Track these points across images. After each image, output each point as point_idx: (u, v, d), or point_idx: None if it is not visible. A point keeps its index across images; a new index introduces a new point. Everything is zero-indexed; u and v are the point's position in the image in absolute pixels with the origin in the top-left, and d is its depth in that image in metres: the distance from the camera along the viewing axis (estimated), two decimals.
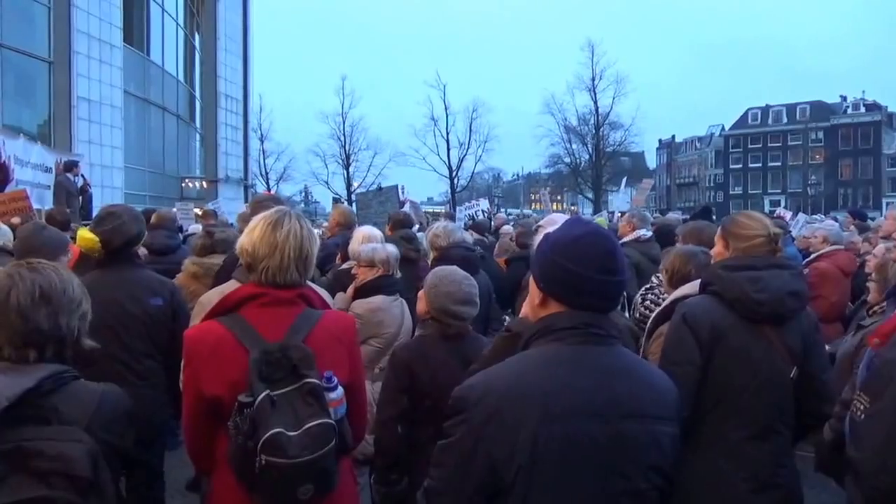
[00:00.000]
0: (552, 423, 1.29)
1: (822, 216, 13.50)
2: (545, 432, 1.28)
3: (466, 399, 1.34)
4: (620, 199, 14.55)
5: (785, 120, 60.40)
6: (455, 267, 2.76)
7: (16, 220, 5.68)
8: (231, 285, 2.44)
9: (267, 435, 1.51)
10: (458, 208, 11.51)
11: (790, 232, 7.14)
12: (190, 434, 1.77)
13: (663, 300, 2.88)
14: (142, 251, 3.55)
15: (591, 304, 1.40)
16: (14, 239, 3.82)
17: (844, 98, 58.56)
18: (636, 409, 1.35)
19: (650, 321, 2.65)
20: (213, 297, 2.45)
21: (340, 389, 1.67)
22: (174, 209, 12.16)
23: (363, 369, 1.88)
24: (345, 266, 3.96)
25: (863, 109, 57.06)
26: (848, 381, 2.12)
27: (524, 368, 1.37)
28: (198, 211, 12.76)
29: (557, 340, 1.38)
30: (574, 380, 1.34)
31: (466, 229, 6.88)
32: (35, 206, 8.66)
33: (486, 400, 1.31)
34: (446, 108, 47.11)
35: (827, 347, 2.75)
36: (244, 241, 1.77)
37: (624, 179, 16.45)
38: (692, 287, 2.60)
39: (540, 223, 3.71)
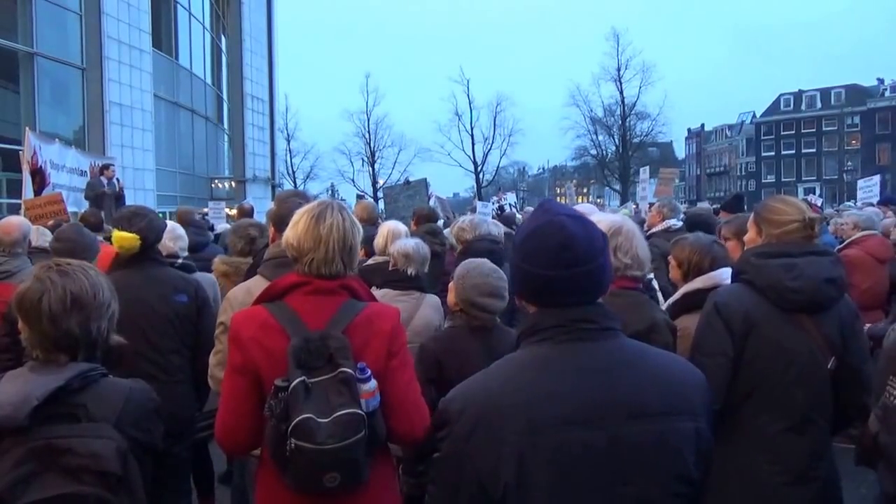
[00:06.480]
0: (538, 436, 1.16)
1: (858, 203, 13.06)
2: (530, 447, 1.16)
3: (448, 412, 1.25)
4: (647, 190, 14.21)
5: (819, 105, 58.51)
6: (486, 260, 2.76)
7: (50, 223, 5.84)
8: (256, 280, 2.48)
9: (297, 419, 1.55)
10: (481, 203, 11.44)
11: (826, 221, 6.92)
12: (226, 413, 1.79)
13: None
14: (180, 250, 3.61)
15: (561, 302, 1.25)
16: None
17: (881, 81, 56.43)
18: (638, 408, 1.20)
19: None
20: (238, 293, 2.50)
21: (373, 382, 1.67)
22: (205, 209, 12.43)
23: (410, 362, 1.87)
24: (369, 262, 3.97)
25: None
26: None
27: (507, 375, 1.25)
28: (228, 211, 13.00)
29: (545, 340, 1.25)
30: (561, 384, 1.20)
31: (495, 219, 6.86)
32: (72, 209, 8.93)
33: (467, 412, 1.21)
34: (470, 103, 47.28)
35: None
36: (289, 235, 1.81)
37: (646, 169, 15.86)
38: (704, 280, 2.55)
39: None
